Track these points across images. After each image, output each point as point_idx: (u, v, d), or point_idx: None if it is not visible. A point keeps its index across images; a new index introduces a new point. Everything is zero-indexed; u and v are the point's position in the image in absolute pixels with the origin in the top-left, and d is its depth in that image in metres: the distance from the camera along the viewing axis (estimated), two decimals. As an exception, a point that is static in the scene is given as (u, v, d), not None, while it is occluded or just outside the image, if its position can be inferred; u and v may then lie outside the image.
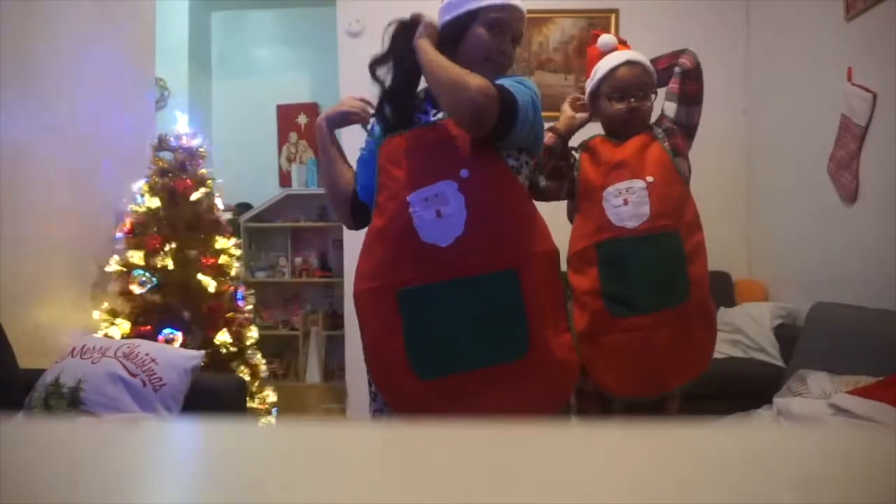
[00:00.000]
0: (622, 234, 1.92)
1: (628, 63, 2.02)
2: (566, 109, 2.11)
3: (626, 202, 1.93)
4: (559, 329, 1.62)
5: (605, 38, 2.11)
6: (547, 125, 2.04)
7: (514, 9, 1.64)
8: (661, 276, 1.92)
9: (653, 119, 2.08)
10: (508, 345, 1.54)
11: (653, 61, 2.09)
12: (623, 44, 2.14)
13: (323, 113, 1.76)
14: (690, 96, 2.03)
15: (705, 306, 2.00)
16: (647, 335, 1.91)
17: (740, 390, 2.88)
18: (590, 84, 2.10)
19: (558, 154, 2.04)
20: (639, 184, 1.94)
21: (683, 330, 1.93)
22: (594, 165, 2.02)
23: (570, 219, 2.09)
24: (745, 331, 3.42)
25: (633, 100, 2.00)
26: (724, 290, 3.75)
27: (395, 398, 1.61)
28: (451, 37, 1.64)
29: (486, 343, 1.54)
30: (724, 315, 3.55)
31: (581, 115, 2.09)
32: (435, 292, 1.54)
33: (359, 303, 1.65)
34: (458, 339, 1.54)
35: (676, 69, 2.03)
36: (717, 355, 3.36)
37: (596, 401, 2.01)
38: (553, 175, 2.03)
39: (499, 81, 1.56)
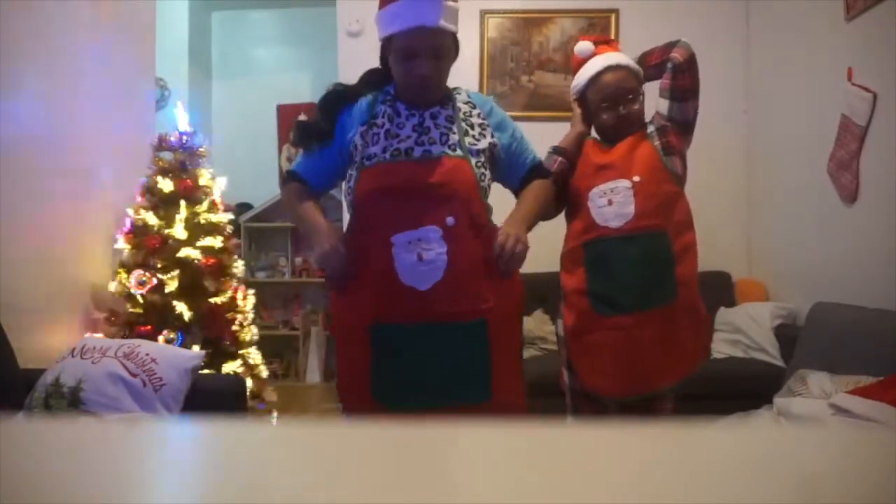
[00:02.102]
0: (606, 233, 1.92)
1: (611, 68, 1.98)
2: (579, 120, 2.08)
3: (610, 202, 1.92)
4: (516, 376, 1.72)
5: (582, 45, 2.07)
6: (552, 146, 2.04)
7: (419, 30, 1.57)
8: (645, 276, 1.91)
9: (648, 117, 2.05)
10: (471, 389, 1.62)
11: (646, 55, 2.05)
12: (607, 43, 2.09)
13: (318, 252, 1.66)
14: (683, 90, 1.98)
15: (693, 308, 1.98)
16: (630, 334, 1.90)
17: (740, 390, 2.88)
18: (574, 90, 2.07)
19: (565, 177, 2.01)
20: (624, 184, 1.92)
21: (669, 330, 1.91)
22: (582, 167, 2.00)
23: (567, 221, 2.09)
24: (745, 331, 3.42)
25: (622, 108, 1.97)
26: (724, 290, 3.75)
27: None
28: (384, 57, 1.69)
29: (450, 385, 1.60)
30: (724, 315, 3.55)
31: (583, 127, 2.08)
32: (408, 333, 1.59)
33: (336, 326, 1.75)
34: (423, 379, 1.60)
35: (669, 64, 1.98)
36: (717, 355, 3.38)
37: (589, 400, 2.01)
38: (560, 200, 2.00)
39: (516, 144, 1.78)
